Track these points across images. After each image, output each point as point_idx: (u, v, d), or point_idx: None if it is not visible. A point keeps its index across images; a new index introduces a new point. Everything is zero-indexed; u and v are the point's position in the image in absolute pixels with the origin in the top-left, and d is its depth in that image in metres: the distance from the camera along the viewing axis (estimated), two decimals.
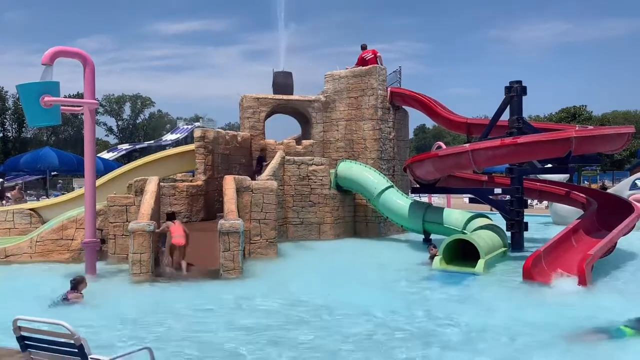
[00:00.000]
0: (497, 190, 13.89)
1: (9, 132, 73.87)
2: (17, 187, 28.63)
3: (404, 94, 17.38)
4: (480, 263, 10.65)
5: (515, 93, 13.68)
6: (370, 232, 16.97)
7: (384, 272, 10.99)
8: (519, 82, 13.82)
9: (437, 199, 23.48)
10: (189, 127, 73.00)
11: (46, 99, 9.23)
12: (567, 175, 23.81)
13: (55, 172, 37.73)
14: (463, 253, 11.50)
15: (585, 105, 53.53)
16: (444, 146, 23.33)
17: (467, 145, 12.07)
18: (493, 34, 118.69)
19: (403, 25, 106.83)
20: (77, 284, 8.27)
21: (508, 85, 13.84)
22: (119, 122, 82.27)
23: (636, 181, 18.78)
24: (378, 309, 7.68)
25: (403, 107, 18.29)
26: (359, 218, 17.24)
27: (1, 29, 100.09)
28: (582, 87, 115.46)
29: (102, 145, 77.60)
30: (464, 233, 13.60)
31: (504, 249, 12.35)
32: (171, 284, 9.58)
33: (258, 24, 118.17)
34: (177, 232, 10.47)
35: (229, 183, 12.14)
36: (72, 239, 12.05)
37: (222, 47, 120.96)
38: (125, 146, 66.13)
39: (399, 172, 17.86)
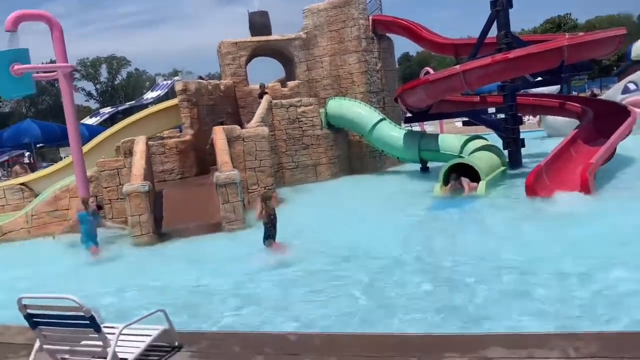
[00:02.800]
0: (491, 110, 13.66)
1: None
2: (19, 162, 27.94)
3: (387, 21, 16.79)
4: (482, 185, 10.58)
5: (501, 7, 13.18)
6: (367, 167, 16.84)
7: (388, 206, 10.88)
8: None
9: (429, 127, 23.22)
10: (169, 82, 71.18)
11: (16, 67, 8.77)
12: (557, 87, 23.59)
13: (40, 144, 37.00)
14: (464, 176, 11.40)
15: (570, 13, 52.47)
16: (432, 72, 22.88)
17: (457, 66, 11.73)
18: None
19: None
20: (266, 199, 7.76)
21: None
22: (98, 86, 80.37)
23: (628, 85, 18.53)
24: (393, 248, 7.52)
25: (387, 35, 17.73)
26: (354, 155, 17.05)
27: None
28: None
29: (84, 112, 76.15)
30: (461, 157, 13.50)
31: (503, 167, 12.27)
32: (175, 242, 9.48)
33: None
34: None
35: (219, 134, 11.83)
36: (68, 209, 11.85)
37: None
38: (108, 109, 64.77)
39: (389, 104, 17.52)
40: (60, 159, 35.34)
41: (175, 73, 75.85)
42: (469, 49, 14.46)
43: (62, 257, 9.47)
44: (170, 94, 65.51)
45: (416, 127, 22.41)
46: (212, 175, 14.46)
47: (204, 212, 11.07)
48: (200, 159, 14.78)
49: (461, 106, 15.35)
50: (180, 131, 16.21)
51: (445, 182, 11.10)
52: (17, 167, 21.57)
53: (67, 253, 9.80)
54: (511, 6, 13.27)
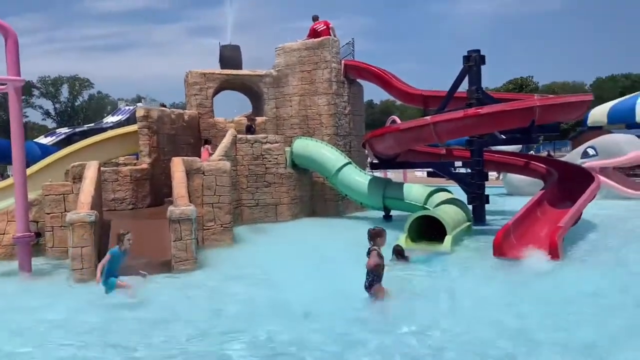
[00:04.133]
0: (458, 164, 13.56)
1: None
2: None
3: (359, 67, 16.74)
4: (448, 240, 10.26)
5: (474, 63, 13.27)
6: (329, 210, 16.43)
7: (348, 253, 10.35)
8: (477, 51, 13.41)
9: (390, 174, 23.16)
10: (131, 107, 70.14)
11: None
12: (519, 146, 24.05)
13: None
14: (427, 229, 11.10)
15: (532, 76, 54.68)
16: (398, 120, 23.01)
17: (428, 117, 11.59)
18: (435, 8, 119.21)
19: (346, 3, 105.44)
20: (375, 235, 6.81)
21: (466, 54, 13.43)
22: (57, 105, 78.18)
23: (587, 149, 18.98)
24: (344, 300, 6.93)
25: (357, 80, 17.68)
26: (317, 197, 16.64)
27: None
28: (524, 58, 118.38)
29: (39, 130, 73.65)
30: (425, 208, 13.25)
31: (468, 223, 12.04)
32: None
33: (201, 1, 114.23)
34: None
35: (178, 165, 11.21)
36: (4, 234, 10.86)
37: (165, 25, 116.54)
38: (65, 130, 62.79)
39: (355, 148, 17.32)
40: (8, 176, 33.57)
41: (139, 99, 74.73)
42: (438, 101, 14.45)
43: None
44: (131, 119, 64.32)
45: (378, 174, 22.32)
46: (166, 207, 13.83)
47: (155, 247, 10.29)
48: (155, 189, 14.08)
49: (428, 157, 15.25)
50: (137, 158, 15.48)
51: (410, 234, 10.75)
52: None
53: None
54: (484, 63, 13.38)
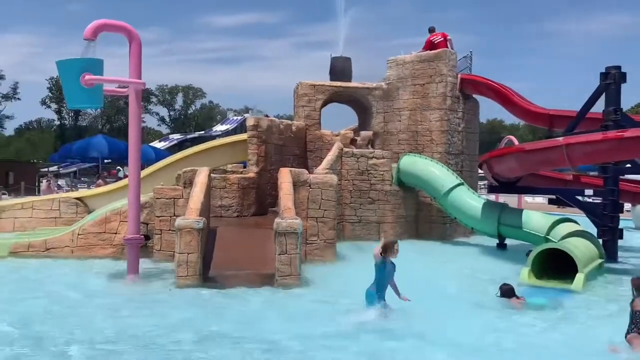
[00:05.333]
0: (588, 192, 12.11)
1: (66, 120, 75.89)
2: (46, 180, 28.46)
3: (477, 81, 15.70)
4: (579, 278, 9.00)
5: (612, 80, 11.85)
6: (434, 233, 15.44)
7: (461, 286, 9.46)
8: (618, 67, 11.98)
9: (504, 199, 21.60)
10: (239, 118, 72.95)
11: (87, 77, 8.23)
12: None
13: (108, 160, 37.80)
14: (551, 264, 9.90)
15: None
16: (515, 140, 21.50)
17: (560, 139, 10.40)
18: (549, 26, 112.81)
19: (454, 18, 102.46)
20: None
21: (604, 71, 12.03)
22: (171, 112, 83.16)
23: None
24: (456, 343, 6.09)
25: (473, 96, 16.63)
26: (422, 218, 15.72)
27: (65, 21, 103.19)
28: None
29: (154, 135, 78.76)
30: (548, 240, 11.95)
31: (600, 260, 10.61)
32: (219, 291, 8.43)
33: (310, 17, 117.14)
34: None
35: (285, 176, 10.92)
36: (116, 233, 11.15)
37: (274, 40, 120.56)
38: (177, 136, 66.64)
39: (467, 169, 16.23)
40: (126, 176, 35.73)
41: (246, 110, 77.55)
42: (565, 122, 13.11)
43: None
44: (238, 129, 66.88)
45: (490, 198, 20.90)
46: (270, 217, 13.66)
47: (258, 259, 10.03)
48: (260, 198, 13.96)
49: (552, 182, 13.86)
50: (244, 167, 15.54)
51: (534, 268, 9.60)
52: (100, 182, 21.80)
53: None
54: (624, 81, 11.92)
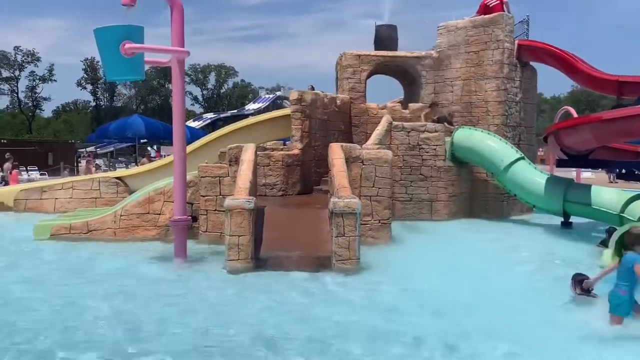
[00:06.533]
0: None
1: (102, 101, 76.66)
2: (87, 161, 28.40)
3: (537, 47, 14.48)
4: None
5: None
6: (491, 211, 14.47)
7: (533, 273, 8.56)
8: None
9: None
10: (271, 96, 72.46)
11: (127, 45, 7.56)
12: None
13: (144, 140, 37.65)
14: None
15: None
16: (573, 112, 20.19)
17: None
18: None
19: None
20: None
21: None
22: (204, 92, 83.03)
23: None
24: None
25: (530, 64, 15.42)
26: (477, 195, 14.75)
27: (96, 3, 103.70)
28: None
29: (188, 114, 78.88)
30: (622, 217, 10.91)
31: None
32: (275, 274, 7.78)
33: None
34: None
35: (337, 152, 10.13)
36: (160, 214, 10.61)
37: (301, 16, 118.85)
38: (210, 115, 66.57)
39: (525, 142, 15.14)
40: (161, 156, 35.55)
41: (278, 88, 76.88)
42: (637, 89, 11.90)
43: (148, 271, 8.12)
44: (271, 107, 66.32)
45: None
46: (315, 196, 12.95)
47: (309, 240, 9.35)
48: (305, 176, 13.26)
49: (619, 155, 12.70)
50: (284, 144, 14.84)
51: (618, 250, 8.59)
52: (144, 160, 21.49)
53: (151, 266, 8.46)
54: None
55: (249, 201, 8.02)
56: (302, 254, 8.84)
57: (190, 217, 8.90)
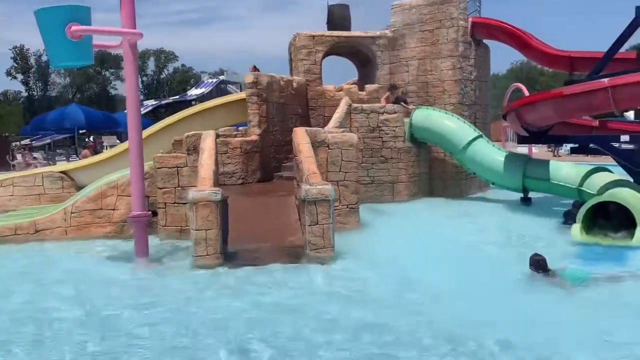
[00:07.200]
0: (624, 138, 11.24)
1: (34, 90, 72.56)
2: (22, 154, 26.67)
3: (490, 25, 14.51)
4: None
5: None
6: (449, 190, 14.53)
7: (504, 248, 8.60)
8: None
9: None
10: (214, 80, 70.68)
11: (73, 28, 6.88)
12: None
13: (82, 130, 35.80)
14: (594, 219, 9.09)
15: None
16: (524, 89, 20.57)
17: (605, 80, 9.40)
18: None
19: None
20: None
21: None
22: (144, 78, 79.98)
23: None
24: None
25: (484, 41, 15.49)
26: (436, 175, 14.77)
27: None
28: None
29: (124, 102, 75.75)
30: (582, 191, 11.15)
31: None
32: (249, 269, 7.38)
33: None
34: None
35: (302, 137, 9.76)
36: (114, 209, 9.93)
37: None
38: (151, 102, 64.11)
39: (480, 120, 15.24)
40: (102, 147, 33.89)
41: (221, 72, 75.06)
42: (588, 64, 12.14)
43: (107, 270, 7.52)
44: (214, 92, 64.70)
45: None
46: (277, 183, 12.56)
47: (277, 230, 9.01)
48: (265, 163, 12.83)
49: (575, 129, 12.98)
50: (237, 129, 14.34)
51: (586, 224, 8.74)
52: (86, 152, 20.12)
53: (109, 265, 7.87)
54: None
55: (215, 193, 7.55)
56: (272, 244, 8.50)
57: (150, 212, 8.32)
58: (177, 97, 65.12)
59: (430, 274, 6.94)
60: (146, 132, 14.53)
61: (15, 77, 71.12)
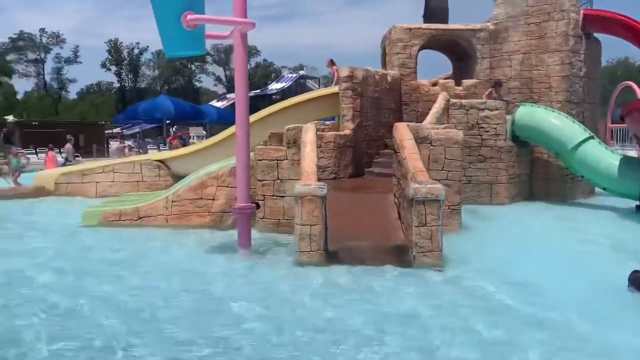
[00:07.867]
0: None
1: (126, 82, 76.49)
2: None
3: (605, 18, 13.38)
4: None
5: None
6: (552, 194, 13.59)
7: (616, 261, 7.77)
8: None
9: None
10: (294, 75, 71.52)
11: (189, 17, 6.86)
12: None
13: (169, 121, 37.25)
14: None
15: None
16: (636, 88, 19.06)
17: None
18: None
19: None
20: None
21: None
22: (227, 72, 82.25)
23: None
24: None
25: (594, 36, 14.34)
26: (538, 177, 13.86)
27: None
28: None
29: (210, 95, 78.45)
30: None
31: None
32: (358, 269, 7.11)
33: None
34: None
35: (404, 132, 9.34)
36: (214, 199, 10.00)
37: None
38: (234, 95, 65.57)
39: (589, 119, 14.14)
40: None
41: (301, 67, 75.76)
42: None
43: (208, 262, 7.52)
44: (294, 86, 65.41)
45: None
46: (369, 179, 12.24)
47: (376, 228, 8.68)
48: (357, 158, 12.56)
49: None
50: (324, 124, 14.17)
51: None
52: (176, 142, 21.09)
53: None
54: None
55: (321, 187, 7.32)
56: (373, 244, 8.15)
57: (255, 204, 8.24)
58: (259, 90, 66.48)
59: (551, 284, 6.37)
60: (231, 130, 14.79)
61: (110, 69, 75.33)
